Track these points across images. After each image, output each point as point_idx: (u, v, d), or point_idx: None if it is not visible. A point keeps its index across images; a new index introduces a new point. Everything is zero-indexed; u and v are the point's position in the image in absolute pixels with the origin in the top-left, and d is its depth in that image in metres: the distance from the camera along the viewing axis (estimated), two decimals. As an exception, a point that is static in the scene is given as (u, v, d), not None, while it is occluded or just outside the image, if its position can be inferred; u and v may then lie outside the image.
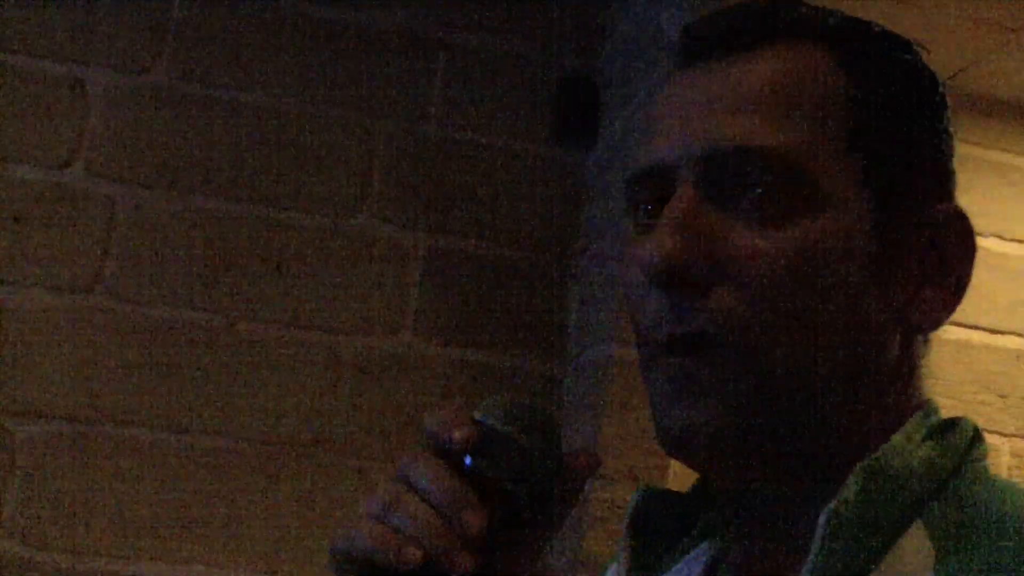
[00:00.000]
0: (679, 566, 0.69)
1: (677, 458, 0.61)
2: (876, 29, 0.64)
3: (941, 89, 0.65)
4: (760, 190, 0.56)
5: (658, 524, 0.69)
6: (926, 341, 0.65)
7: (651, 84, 2.22)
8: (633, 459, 1.77)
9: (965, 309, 2.37)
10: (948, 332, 2.70)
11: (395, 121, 2.46)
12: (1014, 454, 2.66)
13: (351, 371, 2.31)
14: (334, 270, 2.35)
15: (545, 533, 0.62)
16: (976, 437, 0.64)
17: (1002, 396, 2.70)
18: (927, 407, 0.62)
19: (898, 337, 0.60)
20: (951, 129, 0.64)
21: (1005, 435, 2.66)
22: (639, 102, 2.30)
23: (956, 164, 0.65)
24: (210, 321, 2.27)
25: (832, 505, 0.54)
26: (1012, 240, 2.81)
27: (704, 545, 0.69)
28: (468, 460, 0.57)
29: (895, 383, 0.61)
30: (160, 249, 2.28)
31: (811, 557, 0.54)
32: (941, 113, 0.63)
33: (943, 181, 0.62)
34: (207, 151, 2.35)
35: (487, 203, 2.46)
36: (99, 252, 2.25)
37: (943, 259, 0.61)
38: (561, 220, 2.46)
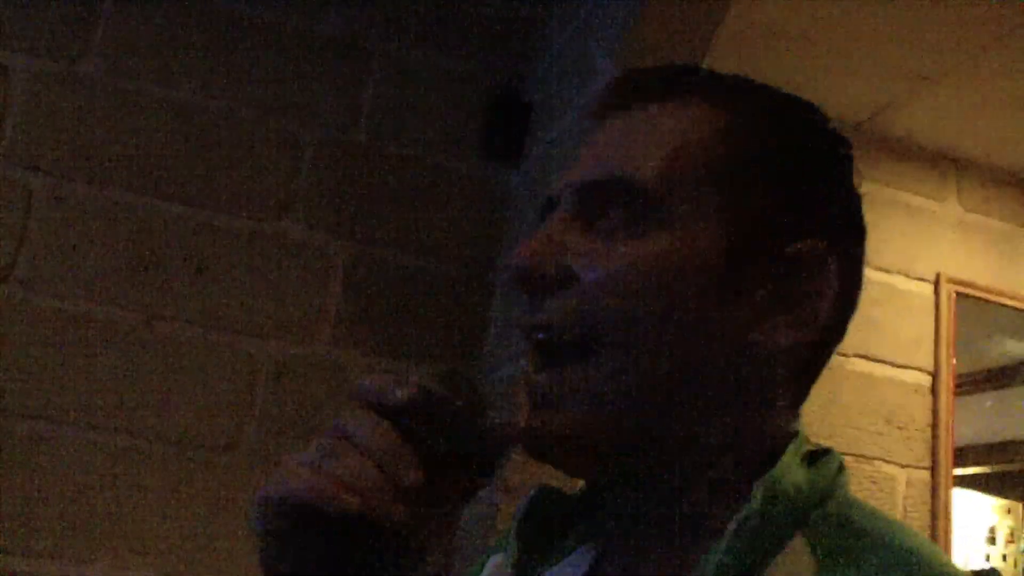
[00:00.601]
0: (559, 567, 0.73)
1: (531, 454, 0.66)
2: (762, 90, 0.71)
3: (828, 143, 0.71)
4: (613, 212, 0.64)
5: (547, 522, 0.74)
6: (799, 378, 0.69)
7: (578, 107, 2.27)
8: (543, 474, 1.80)
9: (870, 343, 2.46)
10: (853, 364, 2.79)
11: (324, 128, 2.47)
12: (909, 484, 2.76)
13: (268, 376, 2.30)
14: (255, 274, 2.34)
15: (468, 495, 0.64)
16: (841, 466, 0.68)
17: (900, 428, 2.79)
18: (799, 437, 0.67)
19: (743, 356, 0.64)
20: (839, 177, 0.70)
21: (902, 466, 2.76)
22: (566, 123, 2.34)
23: (842, 206, 0.70)
24: (127, 318, 2.24)
25: (743, 513, 0.60)
26: (917, 279, 2.91)
27: (584, 548, 0.73)
28: (406, 421, 0.59)
29: (756, 406, 0.66)
30: (78, 242, 2.25)
31: (717, 558, 0.59)
32: (823, 164, 0.69)
33: (809, 222, 0.67)
34: (132, 146, 2.32)
35: (412, 215, 2.48)
36: (14, 241, 2.21)
37: (794, 291, 0.65)
38: (484, 236, 2.48)
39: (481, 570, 0.79)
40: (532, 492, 0.74)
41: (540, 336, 0.65)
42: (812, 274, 0.66)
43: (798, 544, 0.60)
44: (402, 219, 2.47)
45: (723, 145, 0.66)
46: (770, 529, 0.60)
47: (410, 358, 2.38)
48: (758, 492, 0.60)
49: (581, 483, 0.77)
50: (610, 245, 0.64)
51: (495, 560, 0.77)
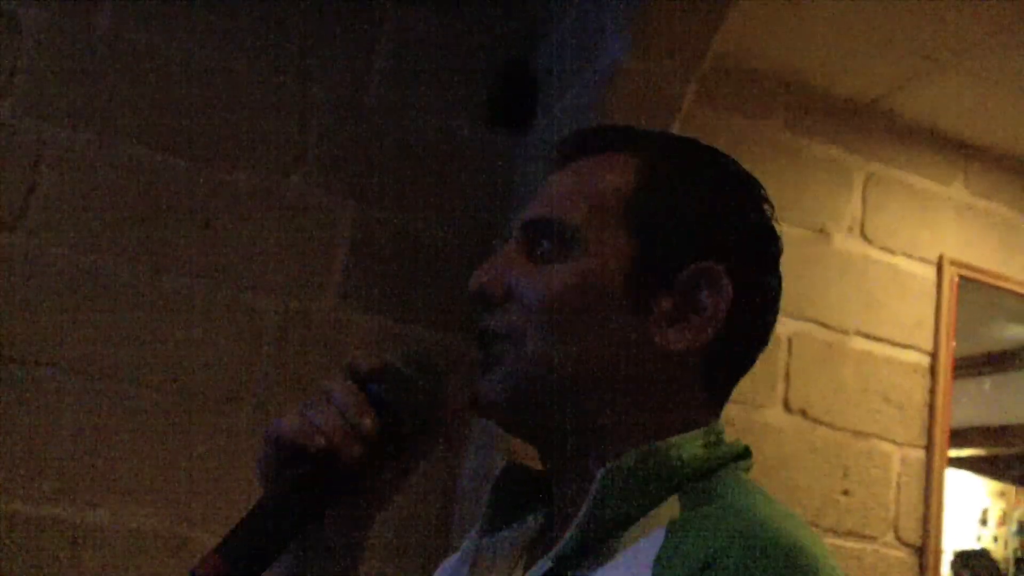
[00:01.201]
0: (512, 530, 0.89)
1: (476, 414, 0.85)
2: (673, 140, 0.90)
3: (729, 182, 0.86)
4: (545, 243, 0.83)
5: (514, 493, 0.90)
6: (711, 379, 0.83)
7: (587, 77, 2.28)
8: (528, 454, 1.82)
9: (871, 322, 2.48)
10: (853, 342, 2.81)
11: (334, 88, 2.48)
12: (904, 462, 2.78)
13: (272, 331, 2.33)
14: (262, 230, 2.36)
15: (419, 453, 0.84)
16: (744, 454, 0.82)
17: (898, 407, 2.81)
18: (712, 427, 0.81)
19: (647, 355, 0.80)
20: (738, 209, 0.85)
21: (897, 444, 2.78)
22: (575, 92, 2.35)
23: (739, 234, 0.84)
24: (134, 271, 2.26)
25: (608, 466, 0.75)
26: (920, 260, 2.92)
27: (538, 514, 0.90)
28: (372, 387, 0.78)
29: (660, 398, 0.81)
30: (87, 194, 2.26)
31: (585, 506, 0.74)
32: (721, 198, 0.84)
33: (706, 247, 0.81)
34: (142, 100, 2.33)
35: (420, 178, 2.49)
36: (24, 191, 2.23)
37: (691, 304, 0.81)
38: (491, 202, 2.50)
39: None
40: (501, 468, 0.90)
41: (485, 336, 0.84)
42: (707, 291, 0.81)
43: (672, 501, 0.75)
44: (410, 181, 2.48)
45: (633, 187, 0.83)
46: (640, 491, 0.75)
47: (414, 320, 2.40)
48: (631, 456, 0.75)
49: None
50: (542, 268, 0.82)
51: (469, 537, 0.92)
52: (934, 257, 2.95)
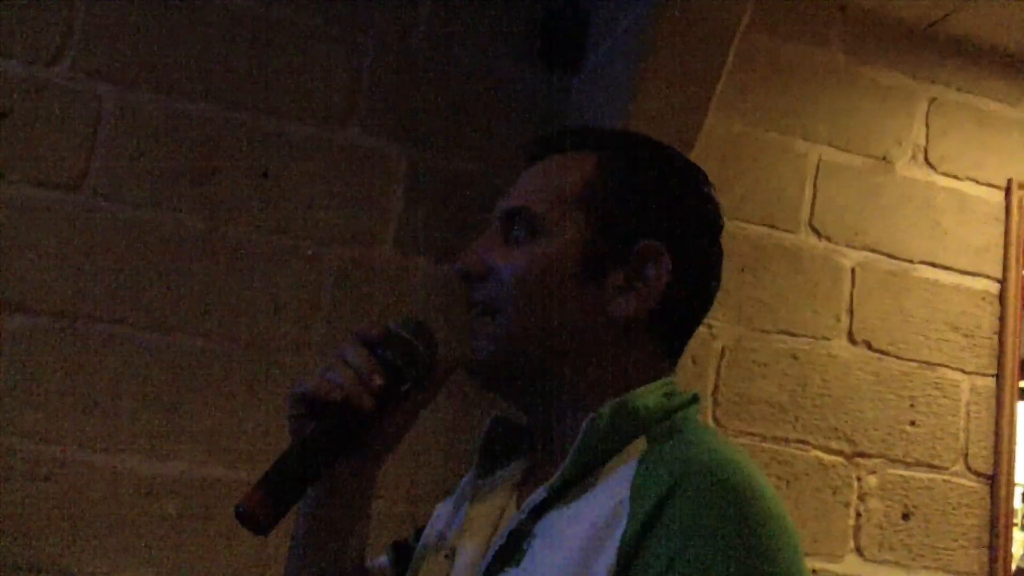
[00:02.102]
0: (505, 470, 1.05)
1: (470, 379, 1.00)
2: (630, 138, 1.05)
3: (673, 171, 1.02)
4: (518, 229, 0.98)
5: (502, 442, 1.07)
6: (663, 340, 0.99)
7: (634, 14, 2.24)
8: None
9: (936, 250, 2.42)
10: (919, 271, 2.75)
11: (383, 36, 2.47)
12: (973, 390, 2.74)
13: (332, 279, 2.35)
14: (319, 180, 2.38)
15: (419, 403, 1.03)
16: (693, 400, 0.98)
17: (967, 336, 2.76)
18: (669, 379, 0.98)
19: (602, 321, 0.95)
20: (680, 194, 1.00)
21: (966, 372, 2.73)
22: (623, 28, 2.31)
23: (680, 215, 1.00)
24: (195, 224, 2.30)
25: (590, 416, 0.90)
26: (986, 184, 2.85)
27: (524, 458, 1.06)
28: (379, 351, 0.95)
29: (620, 357, 0.96)
30: (146, 150, 2.29)
31: (572, 449, 0.90)
32: (665, 185, 1.00)
33: (650, 227, 0.97)
34: (196, 55, 2.35)
35: (472, 121, 2.48)
36: (85, 150, 2.26)
37: (637, 276, 0.96)
38: (545, 141, 2.48)
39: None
40: (489, 421, 1.06)
41: (473, 308, 0.99)
42: (651, 264, 0.96)
43: (640, 440, 0.91)
44: (463, 124, 2.47)
45: (590, 180, 0.98)
46: (615, 434, 0.90)
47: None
48: (607, 407, 0.91)
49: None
50: (515, 249, 0.98)
51: (465, 479, 1.09)
52: (1001, 181, 2.88)
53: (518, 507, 0.97)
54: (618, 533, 0.82)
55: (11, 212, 2.20)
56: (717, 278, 1.03)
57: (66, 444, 2.15)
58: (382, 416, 0.97)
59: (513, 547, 0.90)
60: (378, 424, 0.98)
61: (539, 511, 0.91)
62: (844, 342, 2.65)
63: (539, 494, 0.91)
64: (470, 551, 0.97)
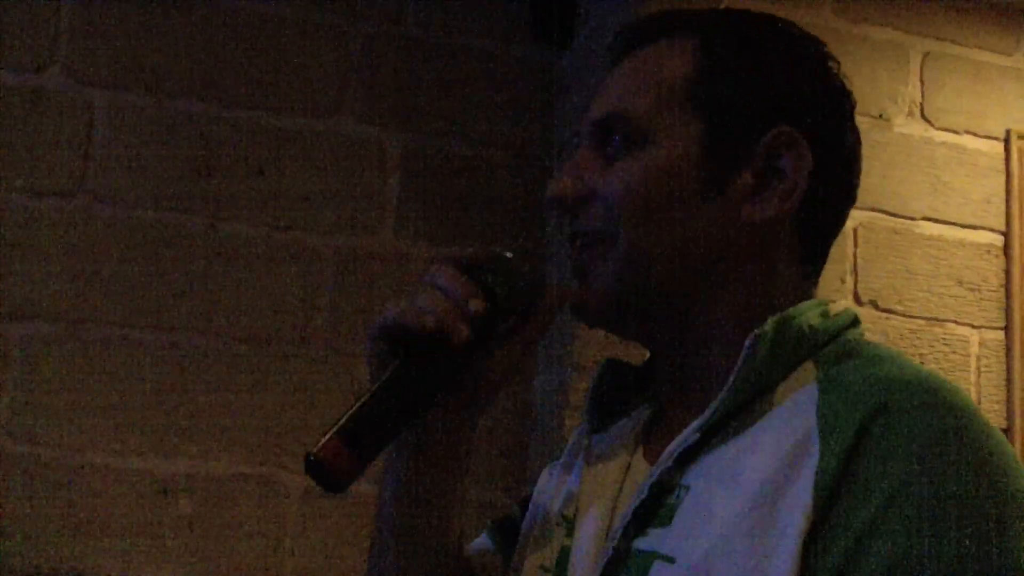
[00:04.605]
0: (624, 421, 0.90)
1: (580, 320, 0.87)
2: (728, 14, 0.90)
3: (791, 44, 0.86)
4: (616, 140, 0.83)
5: (617, 390, 0.91)
6: (804, 245, 0.85)
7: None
8: (608, 349, 1.82)
9: (938, 205, 2.41)
10: (921, 228, 2.74)
11: (372, 23, 2.46)
12: (982, 344, 2.72)
13: (333, 270, 2.36)
14: (315, 172, 2.38)
15: (524, 339, 0.86)
16: (856, 321, 0.84)
17: (973, 290, 2.75)
18: (820, 300, 0.83)
19: (738, 230, 0.81)
20: (805, 71, 0.85)
21: (975, 327, 2.72)
22: (612, 3, 2.30)
23: (809, 95, 0.85)
24: (193, 223, 2.30)
25: (755, 333, 0.76)
26: (985, 136, 2.83)
27: (643, 407, 0.90)
28: (476, 273, 0.81)
29: (761, 272, 0.82)
30: (141, 152, 2.30)
31: (733, 376, 0.76)
32: (785, 63, 0.84)
33: (777, 113, 0.82)
34: (185, 54, 2.35)
35: (464, 103, 2.48)
36: (80, 156, 2.27)
37: (772, 171, 0.81)
38: (537, 118, 2.48)
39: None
40: (601, 366, 0.92)
41: (577, 240, 0.85)
42: (786, 156, 0.81)
43: (808, 366, 0.77)
44: (454, 108, 2.47)
45: (694, 69, 0.83)
46: (781, 357, 0.77)
47: (470, 245, 2.40)
48: (770, 324, 0.77)
49: (645, 355, 0.93)
50: (617, 166, 0.83)
51: (574, 437, 0.94)
52: (1000, 132, 2.85)
53: (648, 460, 0.83)
54: (809, 469, 0.69)
55: (10, 221, 2.21)
56: (858, 168, 0.88)
57: (77, 448, 2.16)
58: (481, 353, 0.82)
59: (656, 504, 0.76)
60: (477, 363, 0.83)
61: (686, 459, 0.77)
62: (850, 302, 2.64)
63: (688, 436, 0.76)
64: (594, 518, 0.82)
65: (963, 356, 2.71)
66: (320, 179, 2.37)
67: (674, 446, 0.77)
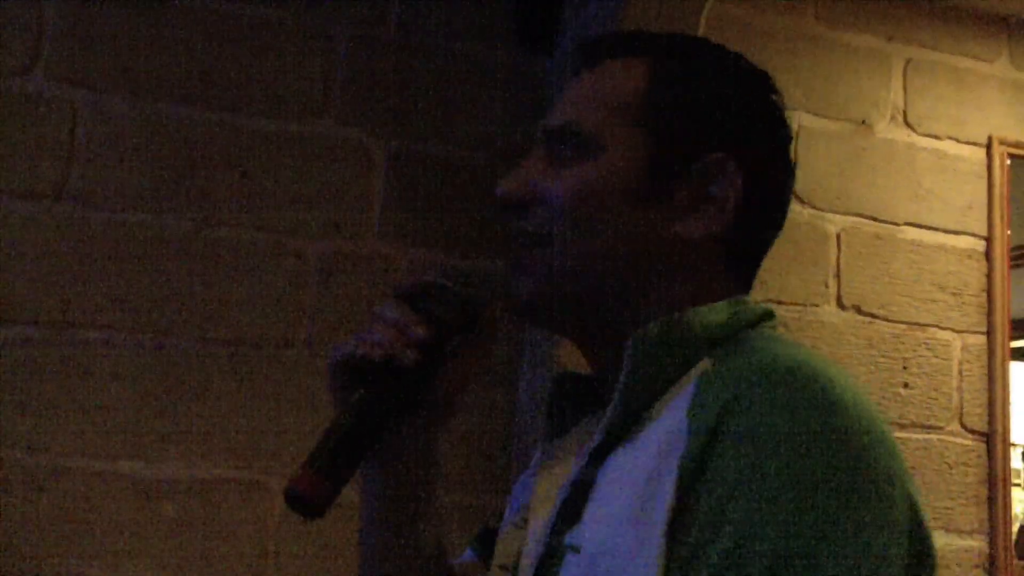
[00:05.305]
0: (575, 427, 0.94)
1: (519, 319, 0.93)
2: (682, 40, 0.94)
3: (735, 75, 0.91)
4: (566, 148, 0.88)
5: (569, 399, 0.96)
6: (734, 266, 0.89)
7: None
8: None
9: (921, 211, 2.43)
10: (904, 233, 2.76)
11: (355, 25, 2.46)
12: (964, 349, 2.74)
13: (317, 273, 2.35)
14: (299, 174, 2.37)
15: (477, 354, 0.93)
16: (767, 315, 0.88)
17: (955, 294, 2.77)
18: (739, 299, 0.87)
19: (667, 245, 0.86)
20: (744, 101, 0.90)
21: (957, 331, 2.74)
22: (595, 9, 2.31)
23: (746, 124, 0.90)
24: (177, 225, 2.29)
25: (634, 335, 0.82)
26: (967, 143, 2.85)
27: (593, 412, 0.93)
28: (419, 303, 0.87)
29: (686, 285, 0.86)
30: (124, 155, 2.29)
31: (620, 377, 0.81)
32: (727, 92, 0.90)
33: (714, 139, 0.87)
34: (169, 57, 2.34)
35: (449, 107, 2.48)
36: (63, 158, 2.26)
37: (703, 194, 0.86)
38: (521, 122, 2.48)
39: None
40: (552, 378, 0.97)
41: (518, 239, 0.90)
42: (719, 180, 0.86)
43: (705, 363, 0.81)
44: (439, 112, 2.47)
45: (645, 88, 0.88)
46: (671, 357, 0.82)
47: (455, 248, 2.40)
48: (655, 325, 0.82)
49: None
50: (562, 172, 0.87)
51: (538, 445, 0.99)
52: (982, 138, 2.88)
53: None
54: (676, 462, 0.73)
55: (-7, 224, 2.20)
56: (788, 196, 0.93)
57: (62, 452, 2.15)
58: (434, 373, 0.89)
59: (580, 500, 0.81)
60: (431, 382, 0.89)
61: (599, 456, 0.82)
62: (833, 308, 2.66)
63: (596, 437, 0.83)
64: (540, 518, 0.87)
65: (945, 360, 2.73)
66: (304, 182, 2.37)
67: (585, 447, 0.84)
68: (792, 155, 0.93)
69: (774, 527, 0.68)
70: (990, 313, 2.78)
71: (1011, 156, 2.88)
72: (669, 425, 0.77)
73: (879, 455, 0.72)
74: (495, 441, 2.35)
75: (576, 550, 0.78)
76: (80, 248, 2.23)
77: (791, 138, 0.92)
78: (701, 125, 0.88)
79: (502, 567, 0.91)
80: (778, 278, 2.61)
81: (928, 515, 0.75)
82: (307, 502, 0.80)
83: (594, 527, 0.78)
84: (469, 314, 0.90)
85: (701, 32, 2.15)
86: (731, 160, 0.86)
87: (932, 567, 0.75)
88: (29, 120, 2.25)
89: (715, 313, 0.84)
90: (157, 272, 2.26)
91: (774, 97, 0.92)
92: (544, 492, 0.90)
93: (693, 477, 0.72)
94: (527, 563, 0.85)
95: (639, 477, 0.76)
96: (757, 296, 2.69)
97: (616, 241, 0.86)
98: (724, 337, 0.83)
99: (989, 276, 2.81)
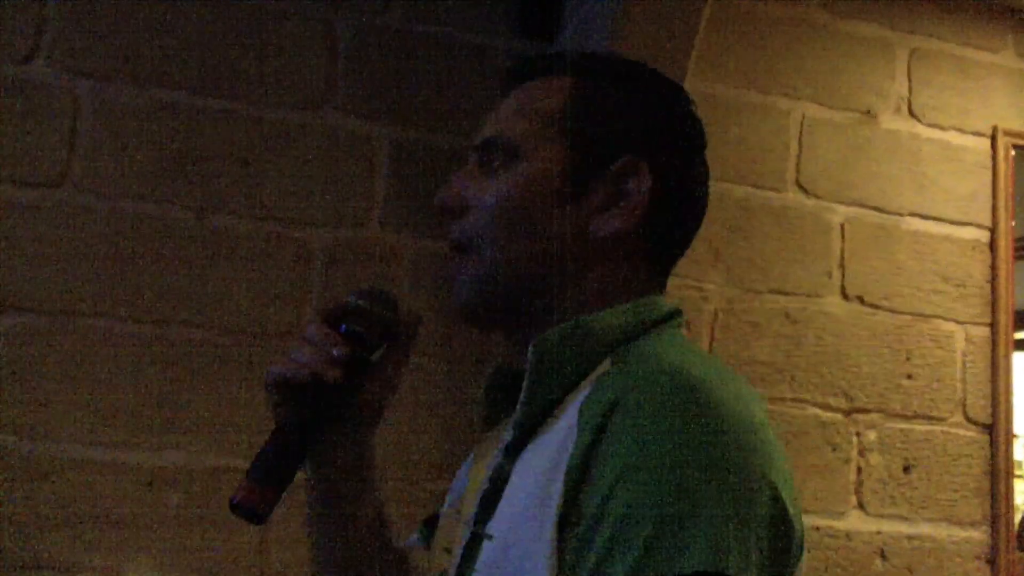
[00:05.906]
0: (500, 425, 1.00)
1: (455, 320, 0.99)
2: (604, 59, 1.03)
3: (650, 89, 1.00)
4: (495, 158, 0.96)
5: (502, 391, 1.02)
6: (648, 261, 0.97)
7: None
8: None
9: (924, 201, 2.42)
10: (908, 223, 2.75)
11: (357, 14, 2.45)
12: (968, 340, 2.74)
13: (320, 262, 2.35)
14: (301, 164, 2.37)
15: (396, 364, 1.01)
16: (674, 314, 0.96)
17: (958, 286, 2.76)
18: (646, 299, 0.95)
19: (585, 242, 0.94)
20: (656, 111, 0.99)
21: (960, 322, 2.73)
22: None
23: (658, 131, 0.98)
24: (179, 214, 2.29)
25: (536, 339, 0.89)
26: (971, 133, 2.84)
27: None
28: (343, 327, 0.96)
29: (604, 279, 0.94)
30: (126, 143, 2.28)
31: (525, 380, 0.89)
32: (641, 103, 0.98)
33: (628, 145, 0.95)
34: (172, 45, 2.34)
35: (451, 96, 2.47)
36: (66, 147, 2.25)
37: (617, 194, 0.94)
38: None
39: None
40: (490, 372, 1.03)
41: (451, 244, 0.97)
42: (631, 179, 0.94)
43: (606, 363, 0.88)
44: (442, 100, 2.47)
45: (566, 101, 0.96)
46: (572, 359, 0.89)
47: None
48: (556, 330, 0.89)
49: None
50: (491, 180, 0.95)
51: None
52: (986, 129, 2.87)
53: None
54: (564, 462, 0.80)
55: (-5, 213, 2.20)
56: (703, 193, 1.01)
57: (64, 441, 2.15)
58: (358, 385, 0.98)
59: (495, 492, 0.90)
60: (356, 393, 0.98)
61: (514, 451, 0.90)
62: (837, 298, 2.65)
63: (509, 433, 0.90)
64: (470, 506, 0.95)
65: (949, 352, 2.72)
66: (307, 172, 2.37)
67: (500, 441, 0.92)
68: (706, 159, 1.00)
69: (649, 518, 0.74)
70: (994, 304, 2.78)
71: (1016, 147, 2.86)
72: (566, 424, 0.84)
73: (745, 453, 0.78)
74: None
75: (491, 538, 0.87)
76: (82, 237, 2.23)
77: (704, 143, 1.00)
78: (615, 132, 0.96)
79: (445, 550, 0.99)
80: (782, 269, 2.61)
81: (796, 507, 0.81)
82: (248, 511, 0.89)
83: (504, 519, 0.86)
84: (387, 328, 0.99)
85: (704, 22, 2.14)
86: (643, 162, 0.94)
87: (798, 555, 0.82)
88: (31, 109, 2.24)
89: (617, 316, 0.91)
90: (159, 261, 2.26)
91: (687, 107, 1.00)
92: (473, 482, 0.98)
93: (579, 473, 0.79)
94: (457, 548, 0.94)
95: (540, 473, 0.83)
96: (759, 287, 2.69)
97: (538, 242, 0.94)
98: (627, 338, 0.90)
99: (993, 267, 2.80)
